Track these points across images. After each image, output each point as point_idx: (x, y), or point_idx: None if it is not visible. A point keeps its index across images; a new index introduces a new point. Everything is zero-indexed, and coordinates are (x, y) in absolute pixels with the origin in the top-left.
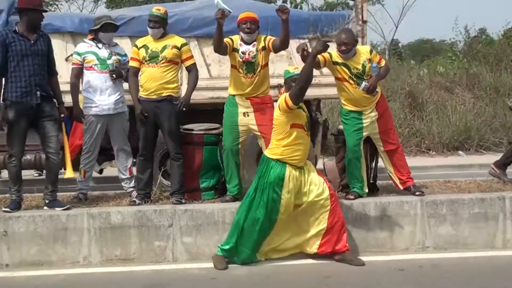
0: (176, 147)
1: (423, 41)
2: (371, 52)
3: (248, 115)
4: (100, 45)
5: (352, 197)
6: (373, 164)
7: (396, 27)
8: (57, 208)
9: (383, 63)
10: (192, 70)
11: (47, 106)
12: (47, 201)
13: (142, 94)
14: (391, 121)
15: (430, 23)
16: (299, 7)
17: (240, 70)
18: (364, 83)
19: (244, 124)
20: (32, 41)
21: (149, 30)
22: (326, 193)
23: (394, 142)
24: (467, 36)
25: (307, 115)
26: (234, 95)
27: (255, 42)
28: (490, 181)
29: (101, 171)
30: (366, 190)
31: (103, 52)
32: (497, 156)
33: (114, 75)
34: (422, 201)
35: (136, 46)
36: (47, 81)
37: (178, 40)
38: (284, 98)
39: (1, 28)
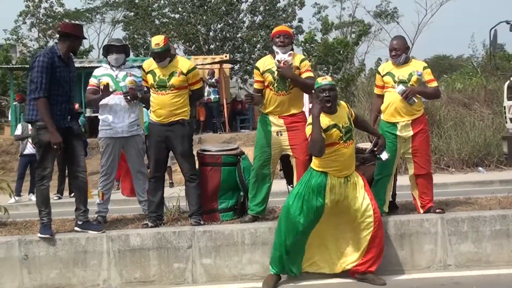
0: (191, 169)
1: (439, 57)
2: (424, 68)
3: (281, 134)
4: (114, 68)
5: None
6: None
7: (412, 44)
8: (92, 231)
9: (434, 84)
10: (195, 93)
11: (75, 125)
12: (80, 223)
13: (153, 118)
14: (427, 145)
15: (446, 40)
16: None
17: (272, 88)
18: (401, 86)
19: (277, 144)
20: (70, 68)
21: (155, 64)
22: (370, 213)
23: (425, 167)
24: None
25: (344, 125)
26: (266, 114)
27: (291, 52)
28: (511, 197)
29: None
30: (386, 210)
31: (119, 74)
32: None
33: (128, 97)
34: (443, 218)
35: (144, 69)
36: None
37: (185, 65)
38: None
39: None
